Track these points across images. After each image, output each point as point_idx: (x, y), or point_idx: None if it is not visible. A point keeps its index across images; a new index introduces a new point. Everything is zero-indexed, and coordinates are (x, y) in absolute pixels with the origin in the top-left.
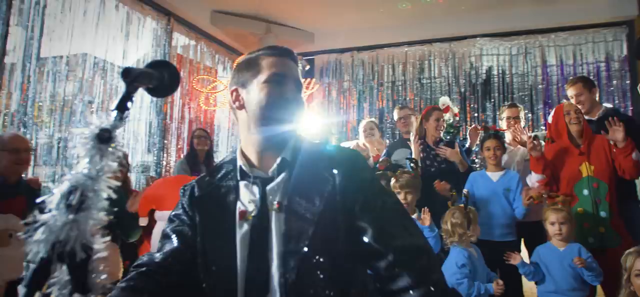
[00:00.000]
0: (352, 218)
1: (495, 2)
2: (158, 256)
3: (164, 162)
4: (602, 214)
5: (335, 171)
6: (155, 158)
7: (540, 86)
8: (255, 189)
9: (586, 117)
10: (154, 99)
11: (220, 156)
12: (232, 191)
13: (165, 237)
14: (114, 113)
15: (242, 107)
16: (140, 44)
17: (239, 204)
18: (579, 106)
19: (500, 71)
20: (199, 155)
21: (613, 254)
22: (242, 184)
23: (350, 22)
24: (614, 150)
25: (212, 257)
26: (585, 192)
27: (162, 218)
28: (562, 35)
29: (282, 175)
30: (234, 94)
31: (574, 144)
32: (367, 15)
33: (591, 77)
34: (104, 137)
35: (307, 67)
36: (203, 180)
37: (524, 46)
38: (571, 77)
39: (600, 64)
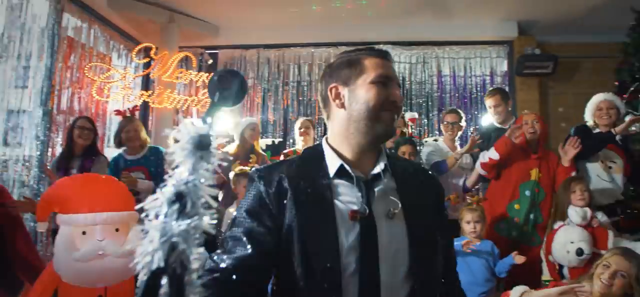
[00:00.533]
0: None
1: (399, 12)
2: (227, 260)
3: (49, 158)
4: (532, 216)
5: (435, 191)
6: (38, 153)
7: (435, 94)
8: (357, 189)
9: (498, 126)
10: (41, 86)
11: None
12: (327, 188)
13: (235, 239)
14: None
15: (342, 105)
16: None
17: (341, 204)
18: (496, 116)
19: (401, 78)
20: (75, 148)
21: (529, 252)
22: (339, 182)
23: (258, 18)
24: (558, 167)
25: (315, 258)
26: (527, 193)
27: (67, 222)
28: (456, 49)
29: (386, 180)
30: (333, 91)
31: (532, 149)
32: (276, 13)
33: (477, 89)
34: (203, 144)
35: (210, 62)
36: (291, 169)
37: (423, 56)
38: (490, 89)
39: (485, 77)
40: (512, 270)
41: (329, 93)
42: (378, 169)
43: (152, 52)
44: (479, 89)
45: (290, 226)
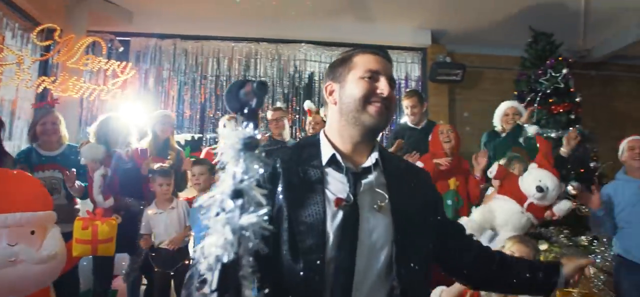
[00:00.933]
0: (438, 227)
1: (322, 12)
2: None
3: None
4: None
5: (425, 185)
6: None
7: None
8: (346, 179)
9: (412, 125)
10: None
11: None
12: (318, 174)
13: None
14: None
15: (335, 101)
16: None
17: (329, 191)
18: (412, 117)
19: (322, 77)
20: None
21: None
22: (329, 170)
23: (176, 7)
24: (470, 177)
25: (301, 237)
26: (449, 202)
27: None
28: None
29: (376, 174)
30: (328, 88)
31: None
32: (196, 3)
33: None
34: (251, 145)
35: (121, 49)
36: (286, 154)
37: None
38: (408, 90)
39: (401, 81)
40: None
41: (324, 91)
42: (368, 162)
43: (55, 35)
44: (395, 92)
45: (280, 207)
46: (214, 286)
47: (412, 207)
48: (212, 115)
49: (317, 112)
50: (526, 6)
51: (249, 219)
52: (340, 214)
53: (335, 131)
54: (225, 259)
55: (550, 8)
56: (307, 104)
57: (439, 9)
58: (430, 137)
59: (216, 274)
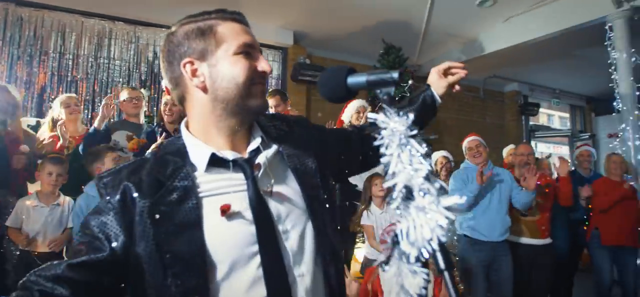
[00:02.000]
0: (329, 150)
1: None
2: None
3: None
4: None
5: (303, 135)
6: None
7: None
8: (239, 174)
9: None
10: None
11: None
12: (190, 188)
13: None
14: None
15: (203, 85)
16: None
17: (216, 201)
18: None
19: None
20: None
21: None
22: (212, 176)
23: None
24: None
25: (180, 279)
26: None
27: None
28: None
29: (267, 151)
30: (188, 68)
31: None
32: None
33: None
34: (412, 135)
35: None
36: (142, 175)
37: None
38: (271, 89)
39: None
40: None
41: (183, 71)
42: (255, 144)
43: None
44: None
45: (147, 249)
46: (443, 264)
47: (309, 155)
48: (53, 97)
49: None
50: (380, 21)
51: (446, 202)
52: (250, 217)
53: (208, 123)
54: (443, 240)
55: (399, 26)
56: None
57: (302, 12)
58: None
59: (442, 253)
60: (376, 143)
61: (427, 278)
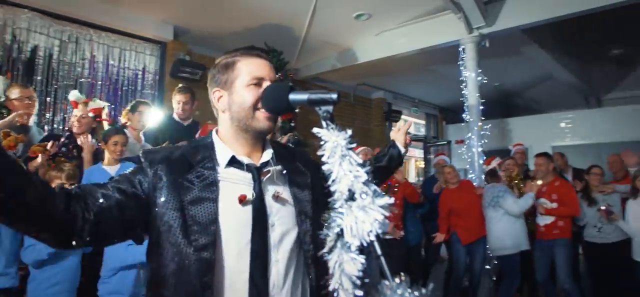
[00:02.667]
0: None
1: None
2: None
3: None
4: None
5: (310, 162)
6: None
7: (84, 80)
8: (249, 176)
9: (178, 120)
10: None
11: None
12: (213, 175)
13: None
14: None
15: (224, 109)
16: None
17: (230, 189)
18: (182, 112)
19: (48, 54)
20: None
21: None
22: (229, 170)
23: None
24: None
25: (196, 236)
26: None
27: None
28: (113, 37)
29: (273, 166)
30: (217, 95)
31: None
32: None
33: (129, 82)
34: (350, 146)
35: None
36: (176, 154)
37: (76, 35)
38: (181, 86)
39: (138, 72)
40: None
41: (213, 97)
42: (266, 157)
43: None
44: (130, 82)
45: (174, 211)
46: (379, 251)
47: (308, 188)
48: None
49: (86, 104)
50: (263, 23)
51: (382, 202)
52: (249, 208)
53: (230, 136)
54: (379, 232)
55: (281, 30)
56: (74, 95)
57: (184, 7)
58: (197, 135)
59: (377, 243)
60: (319, 153)
61: (364, 263)
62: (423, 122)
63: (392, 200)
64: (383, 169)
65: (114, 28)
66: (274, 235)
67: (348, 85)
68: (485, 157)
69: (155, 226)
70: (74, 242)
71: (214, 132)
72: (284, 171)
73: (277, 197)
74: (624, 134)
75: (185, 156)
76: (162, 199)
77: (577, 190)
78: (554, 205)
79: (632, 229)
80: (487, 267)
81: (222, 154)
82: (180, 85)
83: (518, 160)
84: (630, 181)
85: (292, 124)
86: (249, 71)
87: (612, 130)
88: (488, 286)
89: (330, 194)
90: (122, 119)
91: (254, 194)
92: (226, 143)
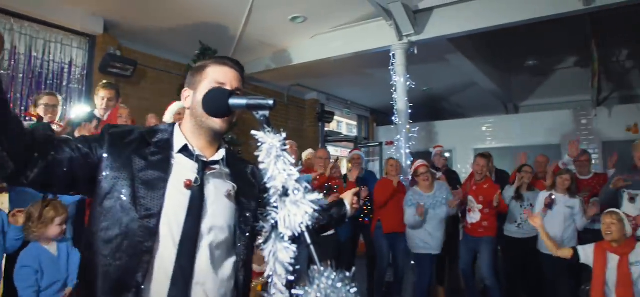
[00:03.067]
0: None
1: None
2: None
3: None
4: None
5: (256, 180)
6: None
7: (4, 72)
8: (197, 166)
9: (99, 117)
10: None
11: None
12: (166, 156)
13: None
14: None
15: (188, 105)
16: None
17: (179, 173)
18: (104, 108)
19: None
20: None
21: None
22: (179, 156)
23: None
24: None
25: (142, 206)
26: None
27: None
28: (36, 27)
29: (222, 166)
30: (185, 93)
31: None
32: None
33: (54, 76)
34: (284, 148)
35: None
36: (136, 134)
37: None
38: (106, 82)
39: (64, 65)
40: None
41: (183, 94)
42: (217, 156)
43: None
44: (56, 76)
45: (126, 177)
46: (309, 240)
47: (250, 196)
48: None
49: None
50: (198, 22)
51: (313, 198)
52: (188, 193)
53: (189, 129)
54: (310, 225)
55: (216, 28)
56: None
57: (115, 0)
58: None
59: (309, 234)
60: (256, 153)
61: (296, 251)
62: (355, 123)
63: (321, 196)
64: (320, 227)
65: (38, 18)
66: (205, 225)
67: (282, 86)
68: (412, 159)
69: (102, 190)
70: (23, 180)
71: (177, 124)
72: (232, 176)
73: (217, 192)
74: (538, 138)
75: (144, 134)
76: (115, 168)
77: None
78: (480, 206)
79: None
80: (412, 262)
81: (178, 141)
82: (104, 81)
83: (437, 161)
84: (542, 187)
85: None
86: (214, 77)
87: (527, 134)
88: (412, 281)
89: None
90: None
91: (198, 180)
92: (185, 135)
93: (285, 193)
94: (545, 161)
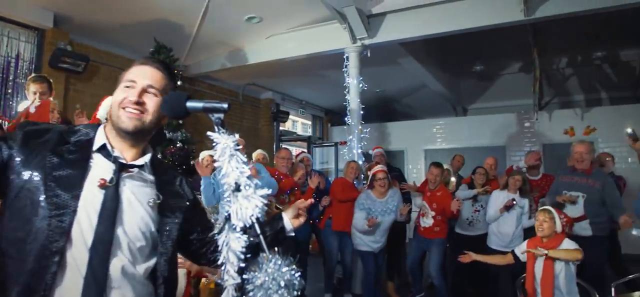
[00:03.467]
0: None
1: None
2: None
3: None
4: None
5: (186, 190)
6: None
7: None
8: (112, 167)
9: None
10: None
11: None
12: (85, 154)
13: None
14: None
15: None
16: None
17: (96, 173)
18: (37, 102)
19: None
20: None
21: None
22: (97, 156)
23: None
24: None
25: (52, 204)
26: None
27: None
28: None
29: (145, 173)
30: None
31: None
32: None
33: (1, 69)
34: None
35: None
36: (55, 133)
37: None
38: (36, 75)
39: (11, 59)
40: None
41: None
42: (139, 161)
43: None
44: (2, 69)
45: (39, 173)
46: (259, 230)
47: (176, 207)
48: None
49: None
50: (153, 19)
51: (262, 193)
52: (103, 193)
53: (110, 129)
54: (260, 216)
55: (172, 26)
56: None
57: None
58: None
59: (258, 225)
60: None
61: (247, 241)
62: (310, 122)
63: (270, 191)
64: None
65: None
66: (121, 231)
67: (237, 85)
68: (364, 158)
69: (12, 189)
70: None
71: (102, 125)
72: (157, 184)
73: (135, 198)
74: (485, 139)
75: (63, 133)
76: (26, 166)
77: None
78: (433, 212)
79: (490, 217)
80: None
81: (98, 140)
82: (33, 74)
83: (378, 161)
84: (495, 186)
85: (180, 122)
86: (128, 76)
87: (475, 135)
88: (360, 278)
89: (206, 228)
90: None
91: (113, 180)
92: (107, 136)
93: (237, 188)
94: (494, 162)
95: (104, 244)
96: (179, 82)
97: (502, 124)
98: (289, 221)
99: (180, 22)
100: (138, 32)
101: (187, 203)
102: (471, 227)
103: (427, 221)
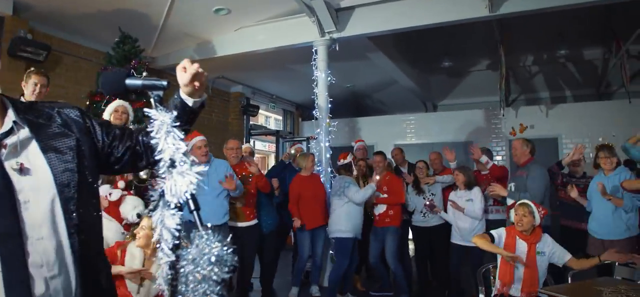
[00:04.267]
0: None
1: None
2: None
3: None
4: None
5: (70, 127)
6: None
7: None
8: None
9: None
10: None
11: None
12: None
13: None
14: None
15: None
16: None
17: None
18: (39, 95)
19: None
20: None
21: None
22: None
23: None
24: None
25: None
26: None
27: None
28: None
29: (20, 133)
30: None
31: None
32: None
33: None
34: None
35: None
36: None
37: None
38: (35, 68)
39: None
40: None
41: None
42: (7, 125)
43: None
44: None
45: None
46: (193, 206)
47: (72, 150)
48: None
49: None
50: (118, 8)
51: (194, 169)
52: None
53: None
54: (193, 192)
55: (138, 17)
56: None
57: None
58: None
59: (191, 200)
60: (149, 130)
61: (182, 218)
62: (281, 117)
63: (206, 168)
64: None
65: None
66: (29, 214)
67: (206, 78)
68: (331, 152)
69: None
70: None
71: None
72: (34, 136)
73: (21, 169)
74: (454, 135)
75: None
76: None
77: (407, 182)
78: (385, 196)
79: (450, 218)
80: (331, 252)
81: None
82: (32, 68)
83: (359, 155)
84: (449, 173)
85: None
86: None
87: (444, 131)
88: (330, 269)
89: (112, 149)
90: None
91: None
92: None
93: (172, 165)
94: (438, 156)
95: (15, 238)
96: (144, 74)
97: (471, 120)
98: (185, 95)
99: (147, 12)
100: (102, 22)
101: (75, 137)
102: (425, 219)
103: (381, 207)
